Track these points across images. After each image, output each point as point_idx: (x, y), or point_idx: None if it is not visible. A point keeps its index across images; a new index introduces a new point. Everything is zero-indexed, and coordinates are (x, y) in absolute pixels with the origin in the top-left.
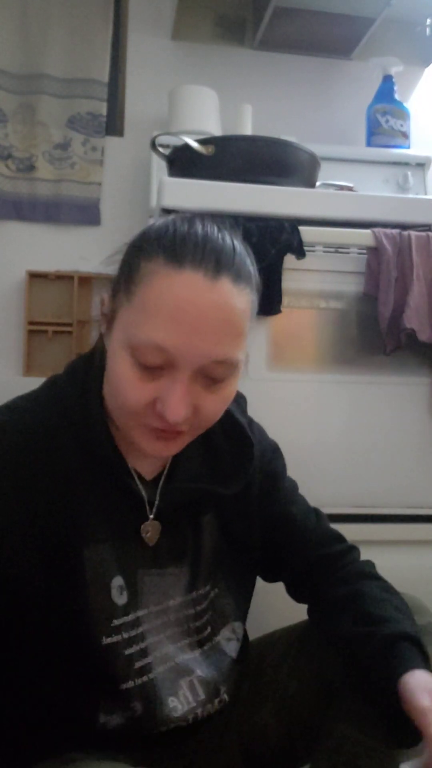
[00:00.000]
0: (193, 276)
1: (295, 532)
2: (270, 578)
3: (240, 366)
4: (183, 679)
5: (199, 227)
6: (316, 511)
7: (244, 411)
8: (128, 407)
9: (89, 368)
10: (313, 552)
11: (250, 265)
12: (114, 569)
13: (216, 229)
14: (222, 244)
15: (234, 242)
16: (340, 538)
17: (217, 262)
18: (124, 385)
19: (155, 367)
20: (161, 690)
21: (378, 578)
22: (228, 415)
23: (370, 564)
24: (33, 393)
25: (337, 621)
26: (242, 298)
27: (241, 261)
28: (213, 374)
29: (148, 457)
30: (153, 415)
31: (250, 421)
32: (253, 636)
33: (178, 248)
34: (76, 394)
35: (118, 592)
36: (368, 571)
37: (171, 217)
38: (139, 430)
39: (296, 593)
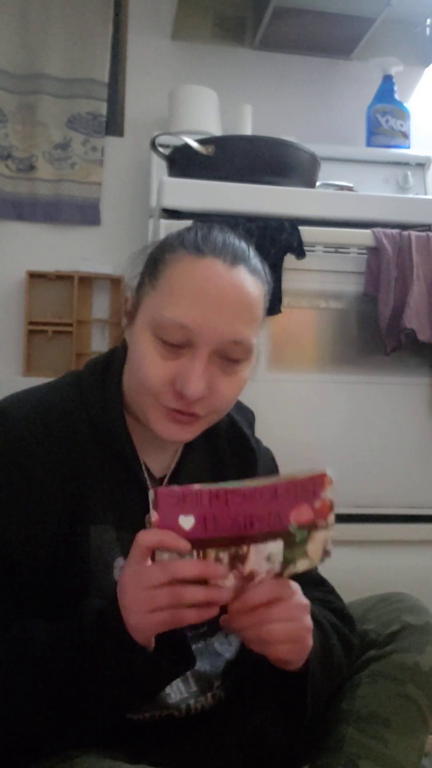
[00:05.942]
0: (214, 261)
1: None
2: None
3: (253, 352)
4: None
5: (217, 231)
6: None
7: (251, 425)
8: (149, 385)
9: (111, 360)
10: None
11: (262, 268)
12: (117, 551)
13: (232, 235)
14: (238, 245)
15: (249, 248)
16: (321, 582)
17: (234, 255)
18: (146, 362)
19: (176, 345)
20: None
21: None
22: (233, 425)
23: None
24: (51, 381)
25: None
26: (257, 286)
27: (255, 260)
28: (230, 355)
29: (162, 446)
30: (171, 394)
31: (258, 440)
32: None
33: (200, 243)
34: (96, 382)
35: (120, 572)
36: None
37: (190, 224)
38: (156, 412)
39: None
